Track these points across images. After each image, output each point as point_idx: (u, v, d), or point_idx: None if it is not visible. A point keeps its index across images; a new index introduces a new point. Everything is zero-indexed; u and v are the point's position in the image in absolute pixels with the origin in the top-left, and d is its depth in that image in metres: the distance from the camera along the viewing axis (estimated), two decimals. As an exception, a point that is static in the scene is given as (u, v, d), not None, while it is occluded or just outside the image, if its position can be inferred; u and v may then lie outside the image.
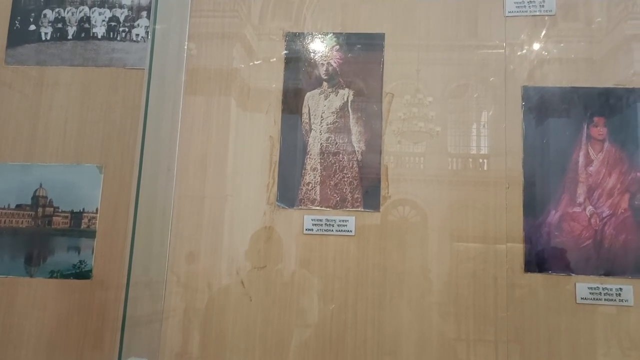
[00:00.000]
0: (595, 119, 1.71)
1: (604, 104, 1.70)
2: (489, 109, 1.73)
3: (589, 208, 1.66)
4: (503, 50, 1.75)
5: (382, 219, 1.68)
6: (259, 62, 1.80)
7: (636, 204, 1.65)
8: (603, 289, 1.61)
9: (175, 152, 1.71)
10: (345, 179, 1.71)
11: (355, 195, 1.70)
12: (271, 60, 1.80)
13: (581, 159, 1.69)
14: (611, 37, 1.74)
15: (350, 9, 1.84)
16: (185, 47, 1.79)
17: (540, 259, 1.64)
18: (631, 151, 1.67)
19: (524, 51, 1.75)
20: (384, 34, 1.80)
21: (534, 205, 1.67)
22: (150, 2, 1.88)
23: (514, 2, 1.79)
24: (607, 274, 1.62)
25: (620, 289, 1.60)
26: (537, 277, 1.63)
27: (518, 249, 1.65)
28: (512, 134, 1.71)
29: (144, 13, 1.93)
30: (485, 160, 1.71)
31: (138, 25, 1.88)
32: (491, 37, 1.77)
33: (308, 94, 1.78)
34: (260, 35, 1.83)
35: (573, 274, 1.63)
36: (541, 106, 1.72)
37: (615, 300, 1.60)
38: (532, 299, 1.64)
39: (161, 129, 1.72)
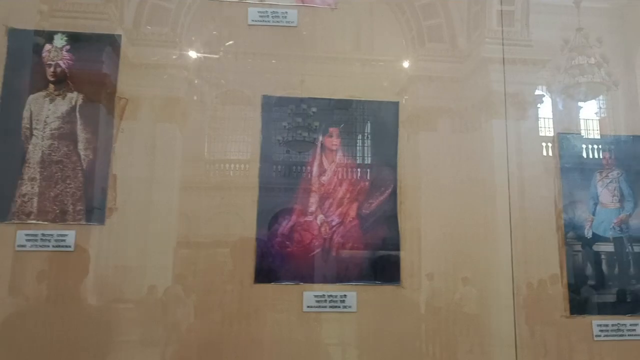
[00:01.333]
0: (330, 129, 1.77)
1: (339, 115, 1.77)
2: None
3: (320, 217, 1.71)
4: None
5: (107, 232, 1.60)
6: None
7: (363, 212, 1.72)
8: (329, 296, 1.66)
9: None
10: (68, 190, 1.61)
11: (78, 208, 1.60)
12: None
13: (315, 169, 1.74)
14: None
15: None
16: None
17: (270, 269, 1.66)
18: (360, 161, 1.75)
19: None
20: (119, 35, 1.72)
21: (267, 215, 1.68)
22: None
23: (258, 12, 1.81)
24: (334, 281, 1.68)
25: (345, 295, 1.66)
26: (266, 288, 1.64)
27: (251, 259, 1.65)
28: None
29: None
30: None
31: None
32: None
33: (31, 96, 1.65)
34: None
35: (301, 283, 1.66)
36: (277, 115, 1.75)
37: (339, 307, 1.66)
38: (261, 310, 1.64)
39: None
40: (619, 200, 1.82)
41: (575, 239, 1.79)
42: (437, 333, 1.69)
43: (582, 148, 1.84)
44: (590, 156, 1.84)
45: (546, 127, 1.86)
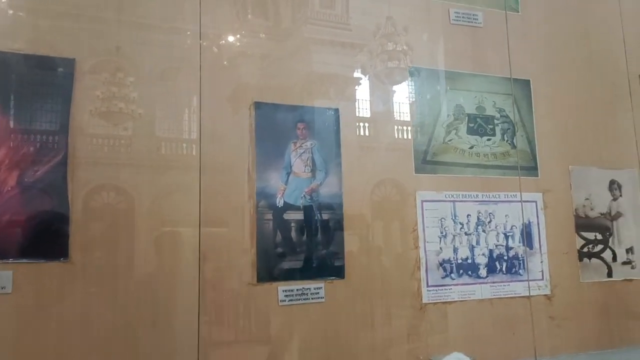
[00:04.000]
0: (-14, 86, 1.57)
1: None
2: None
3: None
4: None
5: None
6: None
7: (26, 181, 1.57)
8: (-26, 279, 1.48)
9: None
10: None
11: None
12: None
13: (-37, 131, 1.53)
14: None
15: None
16: None
17: None
18: (25, 126, 1.59)
19: None
20: None
21: None
22: None
23: None
24: (-16, 260, 1.50)
25: (-2, 276, 1.50)
26: None
27: None
28: None
29: None
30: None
31: None
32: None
33: None
34: None
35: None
36: None
37: (-10, 289, 1.49)
38: None
39: None
40: (311, 169, 1.95)
41: (267, 208, 1.86)
42: (113, 309, 1.63)
43: (277, 117, 1.92)
44: (285, 126, 1.93)
45: (363, 108, 2.00)
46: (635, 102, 2.63)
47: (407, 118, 2.18)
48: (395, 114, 2.19)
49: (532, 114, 2.38)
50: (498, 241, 2.22)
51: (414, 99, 2.19)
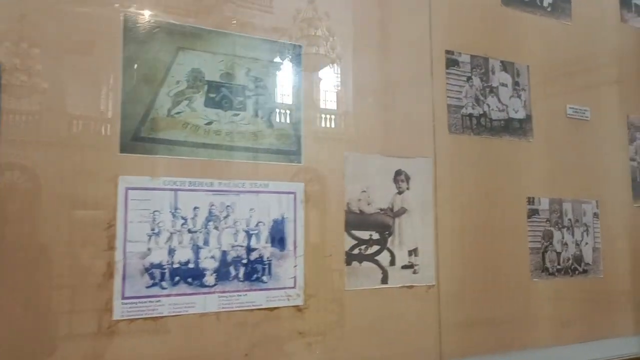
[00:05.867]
0: None
1: None
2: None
3: None
4: None
5: None
6: None
7: None
8: None
9: None
10: None
11: None
12: None
13: None
14: None
15: None
16: None
17: None
18: None
19: None
20: None
21: None
22: None
23: None
24: None
25: None
26: None
27: None
28: None
29: None
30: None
31: None
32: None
33: None
34: None
35: None
36: None
37: None
38: None
39: None
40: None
41: None
42: None
43: None
44: None
45: (285, 95, 1.77)
46: (437, 82, 2.27)
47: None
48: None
49: (300, 85, 1.95)
50: (236, 241, 1.79)
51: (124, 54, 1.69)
